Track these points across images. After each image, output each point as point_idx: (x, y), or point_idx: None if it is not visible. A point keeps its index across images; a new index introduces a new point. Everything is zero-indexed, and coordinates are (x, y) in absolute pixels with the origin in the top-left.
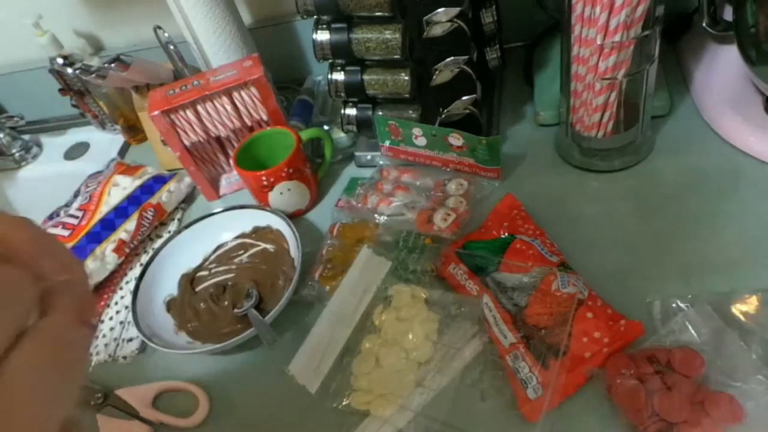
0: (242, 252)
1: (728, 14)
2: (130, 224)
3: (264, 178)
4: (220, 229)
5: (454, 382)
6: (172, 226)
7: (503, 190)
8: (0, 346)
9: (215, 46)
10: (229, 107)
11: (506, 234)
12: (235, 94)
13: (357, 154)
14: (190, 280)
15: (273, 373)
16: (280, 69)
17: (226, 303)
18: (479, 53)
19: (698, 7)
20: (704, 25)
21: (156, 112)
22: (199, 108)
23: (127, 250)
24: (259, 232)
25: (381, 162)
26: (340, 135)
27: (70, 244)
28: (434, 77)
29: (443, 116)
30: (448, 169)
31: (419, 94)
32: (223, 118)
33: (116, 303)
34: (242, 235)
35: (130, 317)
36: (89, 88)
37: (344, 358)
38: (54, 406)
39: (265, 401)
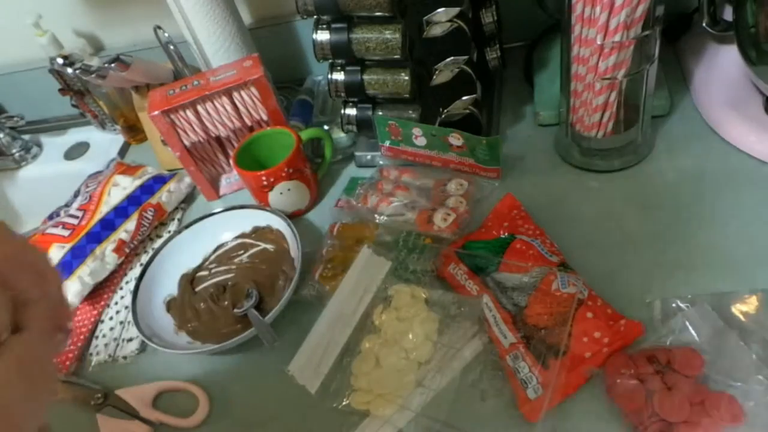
0: (242, 252)
1: (728, 14)
2: (130, 224)
3: (264, 178)
4: (220, 229)
5: (454, 382)
6: (172, 226)
7: (503, 190)
8: None
9: (215, 46)
10: (229, 107)
11: (506, 234)
12: (235, 94)
13: (357, 154)
14: (190, 280)
15: (273, 373)
16: (280, 69)
17: (226, 303)
18: (479, 53)
19: (698, 7)
20: (704, 25)
21: (156, 112)
22: (199, 108)
23: (127, 250)
24: (259, 232)
25: (381, 162)
26: (340, 135)
27: (69, 244)
28: (434, 77)
29: (443, 116)
30: (449, 169)
31: (419, 94)
32: (223, 118)
33: (116, 303)
34: (242, 235)
35: (130, 317)
36: (89, 88)
37: (344, 358)
38: (24, 420)
39: (265, 401)
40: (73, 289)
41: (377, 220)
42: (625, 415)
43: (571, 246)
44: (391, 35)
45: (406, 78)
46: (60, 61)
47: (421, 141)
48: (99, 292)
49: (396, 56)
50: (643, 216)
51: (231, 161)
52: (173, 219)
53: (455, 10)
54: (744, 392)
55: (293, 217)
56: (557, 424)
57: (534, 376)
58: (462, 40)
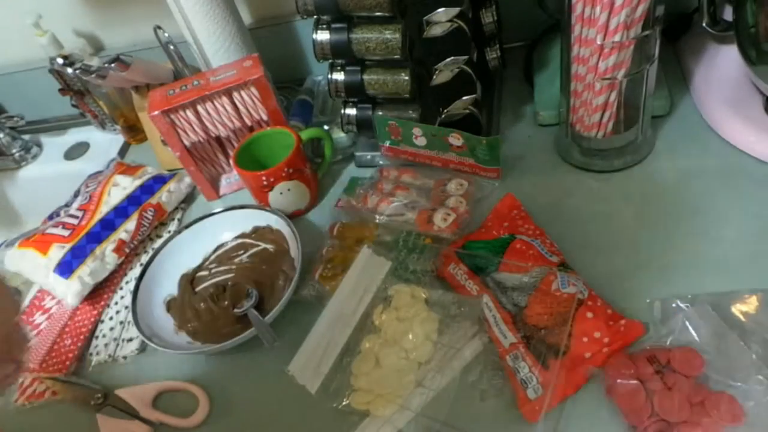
0: (242, 252)
1: (728, 14)
2: (130, 224)
3: (264, 178)
4: (220, 229)
5: (454, 382)
6: (172, 226)
7: (503, 190)
8: None
9: (215, 46)
10: (229, 107)
11: (506, 234)
12: (235, 94)
13: (357, 154)
14: (190, 280)
15: (273, 373)
16: (280, 69)
17: (226, 303)
18: (479, 53)
19: (698, 7)
20: (704, 25)
21: (156, 112)
22: (199, 108)
23: (127, 250)
24: (259, 232)
25: (381, 162)
26: (340, 135)
27: (69, 244)
28: (434, 77)
29: (443, 116)
30: (449, 169)
31: (419, 94)
32: (223, 118)
33: (116, 303)
34: (242, 235)
35: (130, 317)
36: (89, 88)
37: (344, 358)
38: None
39: (265, 401)
40: (73, 289)
41: (377, 220)
42: (625, 415)
43: (571, 246)
44: (391, 35)
45: (406, 78)
46: (60, 61)
47: (421, 141)
48: (99, 292)
49: (396, 56)
50: (643, 216)
51: (231, 161)
52: (173, 219)
53: (455, 10)
54: (744, 392)
55: (293, 217)
56: (557, 424)
57: (534, 376)
58: (462, 40)
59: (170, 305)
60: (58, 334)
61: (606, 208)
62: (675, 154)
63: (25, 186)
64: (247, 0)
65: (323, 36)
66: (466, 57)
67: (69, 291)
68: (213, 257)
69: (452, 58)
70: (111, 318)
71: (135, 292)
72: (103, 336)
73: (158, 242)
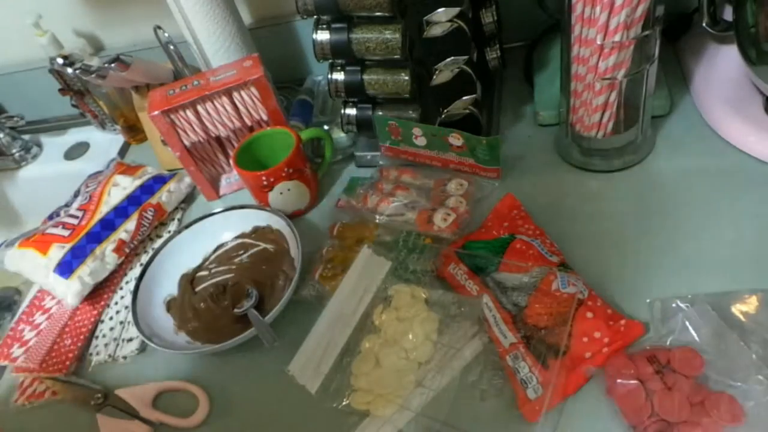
0: (242, 252)
1: (728, 14)
2: (130, 224)
3: (264, 178)
4: (220, 229)
5: (454, 382)
6: (172, 226)
7: (503, 190)
8: None
9: (215, 46)
10: (229, 107)
11: (506, 234)
12: (235, 94)
13: (357, 154)
14: (190, 280)
15: (273, 373)
16: (280, 69)
17: (226, 303)
18: (479, 53)
19: (698, 7)
20: (704, 25)
21: (156, 112)
22: (199, 108)
23: (127, 250)
24: (259, 232)
25: (381, 162)
26: (340, 135)
27: (69, 244)
28: (434, 77)
29: (443, 116)
30: (449, 169)
31: (419, 94)
32: (223, 118)
33: (116, 303)
34: (242, 235)
35: (130, 317)
36: (89, 88)
37: (344, 358)
38: None
39: (265, 401)
40: (73, 289)
41: (377, 220)
42: (625, 415)
43: (571, 246)
44: (391, 35)
45: (406, 78)
46: (60, 61)
47: (421, 141)
48: (99, 292)
49: (396, 56)
50: (643, 216)
51: (231, 161)
52: (173, 219)
53: (455, 10)
54: (744, 392)
55: (293, 217)
56: (557, 424)
57: (534, 376)
58: (462, 40)
59: (170, 305)
60: (58, 334)
61: (606, 208)
62: (675, 154)
63: (25, 186)
64: (247, 0)
65: (323, 36)
66: (466, 57)
67: (69, 291)
68: (213, 257)
69: (452, 58)
70: (111, 318)
71: (135, 292)
72: (103, 336)
73: (158, 242)
